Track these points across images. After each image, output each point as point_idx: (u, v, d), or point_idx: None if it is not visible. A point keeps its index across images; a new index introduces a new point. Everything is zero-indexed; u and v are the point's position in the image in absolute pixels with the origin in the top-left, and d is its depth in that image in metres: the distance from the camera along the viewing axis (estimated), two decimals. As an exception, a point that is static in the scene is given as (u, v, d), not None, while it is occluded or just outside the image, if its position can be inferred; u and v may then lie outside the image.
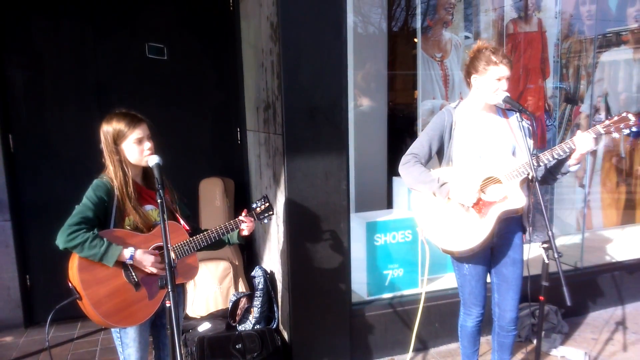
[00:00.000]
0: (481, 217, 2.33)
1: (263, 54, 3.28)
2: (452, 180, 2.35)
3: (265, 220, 2.39)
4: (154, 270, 2.02)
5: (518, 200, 2.32)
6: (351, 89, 3.43)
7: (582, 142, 2.24)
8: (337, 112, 2.98)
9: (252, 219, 2.31)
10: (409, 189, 2.53)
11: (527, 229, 2.47)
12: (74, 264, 1.95)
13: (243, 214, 2.31)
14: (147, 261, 2.00)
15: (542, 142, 4.32)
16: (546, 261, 2.23)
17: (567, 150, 2.27)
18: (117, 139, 2.04)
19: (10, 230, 3.63)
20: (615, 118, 2.27)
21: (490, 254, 2.51)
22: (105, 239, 1.94)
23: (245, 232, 2.29)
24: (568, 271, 3.97)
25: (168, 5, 3.81)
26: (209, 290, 3.69)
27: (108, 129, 2.05)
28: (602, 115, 4.72)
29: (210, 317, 3.53)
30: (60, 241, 1.91)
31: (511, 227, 2.44)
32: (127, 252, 1.97)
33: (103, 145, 2.07)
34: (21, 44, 3.56)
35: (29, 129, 3.65)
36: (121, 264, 1.99)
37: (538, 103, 4.33)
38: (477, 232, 2.33)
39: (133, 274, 2.02)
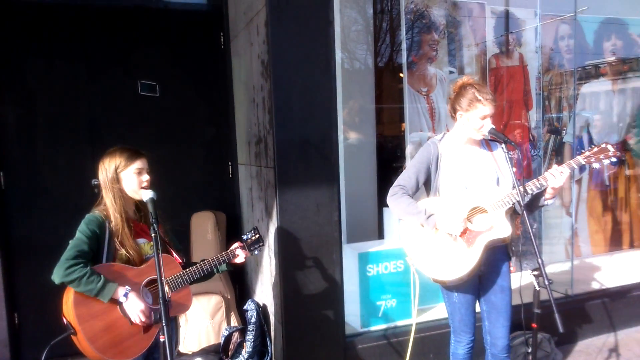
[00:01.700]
0: (469, 247, 2.37)
1: (254, 90, 3.36)
2: (439, 210, 2.40)
3: (256, 252, 2.43)
4: (137, 321, 2.00)
5: (504, 229, 2.37)
6: (340, 122, 3.50)
7: (553, 179, 2.32)
8: (327, 145, 3.04)
9: (245, 250, 2.36)
10: (398, 219, 2.58)
11: (512, 256, 2.52)
12: (69, 298, 1.95)
13: (236, 244, 2.35)
14: (136, 308, 1.99)
15: (527, 172, 4.41)
16: (537, 288, 2.27)
17: (539, 186, 2.34)
18: (119, 167, 2.10)
19: (-1, 267, 3.59)
20: (595, 149, 2.35)
21: (479, 282, 2.54)
22: (102, 275, 1.95)
23: (238, 260, 2.32)
24: (559, 299, 3.99)
25: (160, 44, 3.90)
26: (201, 325, 3.65)
27: (110, 160, 2.11)
28: (585, 145, 4.84)
29: (203, 352, 3.48)
30: (57, 276, 1.92)
31: (498, 255, 2.49)
32: (122, 291, 1.98)
33: (101, 179, 2.12)
34: (14, 82, 3.60)
35: (21, 166, 3.65)
36: (116, 298, 1.99)
37: (522, 134, 4.44)
38: (465, 261, 2.37)
39: (128, 307, 2.02)
